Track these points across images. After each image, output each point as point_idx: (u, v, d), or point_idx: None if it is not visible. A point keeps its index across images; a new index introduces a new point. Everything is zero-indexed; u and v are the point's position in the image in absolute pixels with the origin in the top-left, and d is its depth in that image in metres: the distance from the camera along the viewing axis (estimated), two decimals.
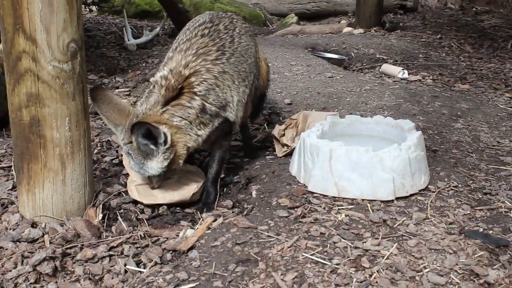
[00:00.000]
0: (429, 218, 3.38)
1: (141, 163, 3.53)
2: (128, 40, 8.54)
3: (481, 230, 3.30)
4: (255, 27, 11.00)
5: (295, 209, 3.48)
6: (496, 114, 5.40)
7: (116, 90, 6.28)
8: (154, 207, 3.72)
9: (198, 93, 3.64)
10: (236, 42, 3.97)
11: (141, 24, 9.94)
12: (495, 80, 6.85)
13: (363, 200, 3.55)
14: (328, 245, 3.10)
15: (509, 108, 5.64)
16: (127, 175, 3.89)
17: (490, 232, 3.28)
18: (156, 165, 3.53)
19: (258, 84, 4.38)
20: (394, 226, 3.29)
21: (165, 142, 3.46)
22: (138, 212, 3.62)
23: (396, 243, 3.11)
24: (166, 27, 9.87)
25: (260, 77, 4.43)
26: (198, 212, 3.70)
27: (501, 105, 5.77)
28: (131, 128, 3.41)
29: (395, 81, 6.61)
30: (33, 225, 3.40)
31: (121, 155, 4.15)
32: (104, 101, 3.61)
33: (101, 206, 3.56)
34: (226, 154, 3.97)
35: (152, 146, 3.46)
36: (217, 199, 3.79)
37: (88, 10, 9.68)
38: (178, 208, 3.74)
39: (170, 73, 3.64)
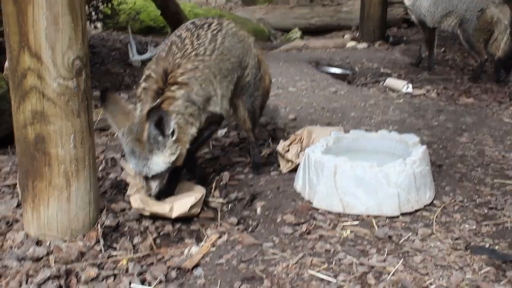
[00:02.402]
0: (434, 234, 3.38)
1: (146, 159, 3.50)
2: (133, 56, 8.53)
3: (487, 245, 3.29)
4: (259, 42, 11.02)
5: (300, 225, 3.47)
6: (501, 127, 5.39)
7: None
8: (155, 218, 3.70)
9: (180, 82, 3.67)
10: (219, 42, 3.98)
11: (145, 40, 9.95)
12: (499, 93, 6.85)
13: (368, 216, 3.55)
14: (334, 261, 3.09)
15: None
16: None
17: (496, 247, 3.27)
18: (162, 160, 3.52)
19: (259, 94, 4.45)
20: (400, 242, 3.28)
21: (173, 133, 3.49)
22: (143, 230, 3.61)
23: (402, 259, 3.10)
24: None
25: (262, 89, 4.50)
26: (203, 229, 3.69)
27: (506, 118, 5.76)
28: (147, 114, 3.39)
29: (399, 95, 6.61)
30: (38, 243, 3.39)
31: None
32: (111, 103, 3.59)
33: (99, 228, 3.53)
34: (212, 134, 4.20)
35: (160, 138, 3.46)
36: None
37: (93, 26, 9.70)
38: (184, 225, 3.72)
39: (153, 71, 3.73)
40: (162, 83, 3.65)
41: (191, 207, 3.70)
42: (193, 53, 3.81)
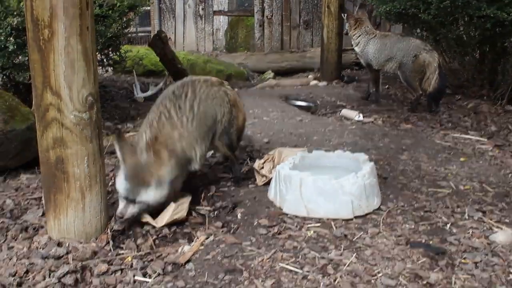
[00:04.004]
0: (381, 232, 3.39)
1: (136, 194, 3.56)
2: (137, 94, 8.54)
3: (423, 241, 3.31)
4: (239, 82, 11.06)
5: (273, 227, 3.47)
6: (433, 147, 5.43)
7: (127, 134, 6.26)
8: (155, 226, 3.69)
9: (168, 149, 3.65)
10: (196, 109, 3.93)
11: (147, 81, 9.96)
12: (432, 120, 6.90)
13: (328, 219, 3.56)
14: (300, 256, 3.09)
15: (443, 143, 5.67)
16: None
17: (431, 242, 3.29)
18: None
19: (233, 130, 4.34)
20: (353, 239, 3.29)
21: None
22: (145, 233, 3.58)
23: (355, 253, 3.11)
24: (167, 83, 9.89)
25: (236, 125, 4.39)
26: (194, 231, 3.67)
27: (437, 140, 5.80)
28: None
29: (352, 123, 6.64)
30: (59, 244, 3.37)
31: None
32: (123, 141, 3.59)
33: (109, 231, 3.52)
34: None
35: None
36: None
37: (105, 70, 9.68)
38: (178, 229, 3.69)
39: (146, 135, 3.72)
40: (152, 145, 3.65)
41: (174, 214, 3.68)
42: (178, 122, 3.81)
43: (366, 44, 7.71)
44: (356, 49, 7.94)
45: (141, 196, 3.53)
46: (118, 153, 3.59)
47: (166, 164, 3.61)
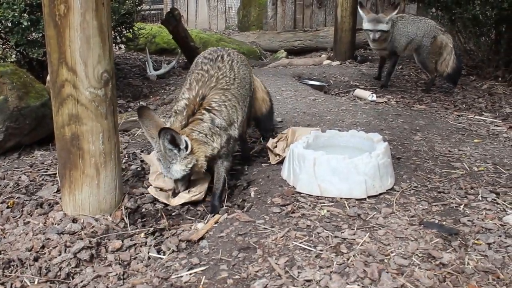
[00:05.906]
0: (394, 212, 3.38)
1: (168, 167, 3.52)
2: (150, 72, 8.55)
3: (436, 221, 3.29)
4: (252, 61, 11.02)
5: (286, 206, 3.47)
6: (447, 128, 5.40)
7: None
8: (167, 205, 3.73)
9: (210, 109, 3.64)
10: (236, 71, 3.94)
11: (160, 59, 9.95)
12: (445, 101, 6.86)
13: (341, 198, 3.55)
14: (313, 235, 3.09)
15: (457, 124, 5.65)
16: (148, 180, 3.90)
17: (444, 223, 3.28)
18: (180, 169, 3.52)
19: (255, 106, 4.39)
20: (367, 219, 3.29)
21: (186, 148, 3.45)
22: (158, 210, 3.61)
23: (368, 233, 3.10)
24: (180, 61, 9.89)
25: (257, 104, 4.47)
26: (207, 209, 3.70)
27: (451, 121, 5.77)
28: (158, 133, 3.38)
29: (365, 103, 6.61)
30: (74, 220, 3.40)
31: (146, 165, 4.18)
32: (146, 118, 3.60)
33: (123, 208, 3.55)
34: (227, 174, 3.86)
35: (175, 151, 3.45)
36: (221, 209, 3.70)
37: (117, 48, 9.68)
38: (192, 207, 3.72)
39: (188, 100, 3.68)
40: (195, 107, 3.65)
41: (192, 196, 3.72)
42: (223, 80, 3.81)
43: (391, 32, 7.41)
44: (382, 44, 7.50)
45: (176, 173, 3.55)
46: (145, 133, 3.64)
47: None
